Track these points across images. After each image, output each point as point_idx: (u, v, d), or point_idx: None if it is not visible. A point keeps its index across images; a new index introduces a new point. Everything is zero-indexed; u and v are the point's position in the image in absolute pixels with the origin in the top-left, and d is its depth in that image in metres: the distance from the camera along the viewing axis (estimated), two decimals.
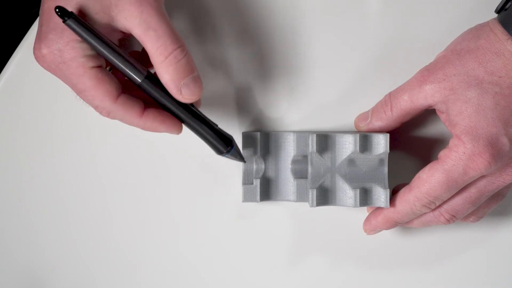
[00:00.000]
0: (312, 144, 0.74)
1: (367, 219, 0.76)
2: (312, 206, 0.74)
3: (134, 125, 0.70)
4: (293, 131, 0.77)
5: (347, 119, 0.78)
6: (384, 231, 0.78)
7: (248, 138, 0.77)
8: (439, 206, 0.73)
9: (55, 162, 0.79)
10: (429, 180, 0.71)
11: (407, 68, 0.76)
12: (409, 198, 0.72)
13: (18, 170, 0.80)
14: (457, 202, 0.73)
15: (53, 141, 0.79)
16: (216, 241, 0.80)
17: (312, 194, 0.74)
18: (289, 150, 0.77)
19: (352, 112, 0.78)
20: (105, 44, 0.67)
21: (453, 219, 0.73)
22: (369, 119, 0.75)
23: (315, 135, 0.74)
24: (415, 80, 0.72)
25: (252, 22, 0.78)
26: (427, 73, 0.72)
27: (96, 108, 0.69)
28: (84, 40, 0.66)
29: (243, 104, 0.78)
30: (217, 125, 0.71)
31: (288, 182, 0.78)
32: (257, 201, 0.77)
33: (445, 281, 0.80)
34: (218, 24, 0.78)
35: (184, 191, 0.79)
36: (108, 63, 0.69)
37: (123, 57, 0.67)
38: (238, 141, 0.78)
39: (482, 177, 0.71)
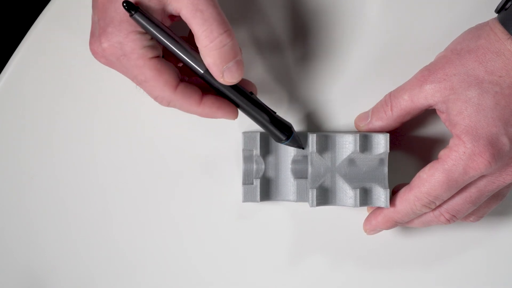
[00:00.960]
0: (312, 144, 0.74)
1: (367, 219, 0.76)
2: (312, 206, 0.74)
3: (192, 113, 0.70)
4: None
5: (347, 119, 0.78)
6: (384, 231, 0.78)
7: (248, 138, 0.77)
8: (439, 206, 0.73)
9: (55, 162, 0.79)
10: (429, 179, 0.71)
11: (407, 68, 0.76)
12: (409, 197, 0.72)
13: (18, 170, 0.80)
14: (457, 202, 0.72)
15: (53, 141, 0.79)
16: (216, 241, 0.80)
17: (312, 194, 0.74)
18: (289, 150, 0.77)
19: (352, 112, 0.78)
20: (168, 35, 0.67)
21: (453, 219, 0.73)
22: (369, 119, 0.75)
23: (315, 135, 0.74)
24: (415, 80, 0.72)
25: (252, 22, 0.78)
26: (428, 73, 0.72)
27: (156, 98, 0.69)
28: (149, 33, 0.67)
29: None
30: (275, 113, 0.72)
31: (288, 182, 0.78)
32: (257, 201, 0.77)
33: (445, 281, 0.80)
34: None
35: (184, 191, 0.79)
36: (165, 52, 0.70)
37: (185, 48, 0.68)
38: (238, 141, 0.78)
39: (482, 176, 0.71)
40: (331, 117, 0.78)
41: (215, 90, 0.70)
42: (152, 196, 0.79)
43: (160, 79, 0.68)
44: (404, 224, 0.75)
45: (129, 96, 0.79)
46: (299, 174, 0.77)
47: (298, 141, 0.74)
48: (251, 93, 0.71)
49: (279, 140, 0.73)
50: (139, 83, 0.69)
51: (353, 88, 0.78)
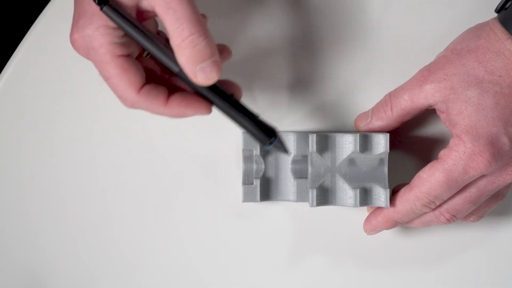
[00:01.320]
0: (312, 144, 0.74)
1: (367, 219, 0.76)
2: (312, 206, 0.74)
3: (160, 114, 0.68)
4: (293, 131, 0.77)
5: (347, 119, 0.78)
6: (384, 231, 0.78)
7: (248, 138, 0.77)
8: (439, 205, 0.73)
9: (55, 162, 0.79)
10: (429, 179, 0.71)
11: (407, 68, 0.76)
12: (409, 197, 0.72)
13: (18, 170, 0.80)
14: (457, 201, 0.72)
15: (53, 141, 0.79)
16: (216, 241, 0.80)
17: (312, 194, 0.74)
18: (289, 150, 0.77)
19: (352, 112, 0.78)
20: (140, 31, 0.66)
21: (454, 218, 0.73)
22: (369, 119, 0.75)
23: (315, 135, 0.74)
24: (415, 79, 0.72)
25: (253, 22, 0.78)
26: (427, 72, 0.72)
27: (119, 98, 0.68)
28: (121, 27, 0.66)
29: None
30: (258, 116, 0.70)
31: (288, 182, 0.78)
32: (257, 201, 0.77)
33: (445, 281, 0.80)
34: (218, 24, 0.78)
35: (184, 191, 0.79)
36: (143, 50, 0.69)
37: (158, 45, 0.67)
38: (238, 141, 0.78)
39: (482, 176, 0.71)
40: (331, 117, 0.78)
41: (193, 89, 0.68)
42: (152, 196, 0.79)
43: (123, 78, 0.66)
44: (404, 224, 0.75)
45: None
46: (299, 174, 0.77)
47: (282, 145, 0.71)
48: (232, 95, 0.69)
49: (263, 144, 0.70)
50: (104, 79, 0.67)
51: (353, 88, 0.78)
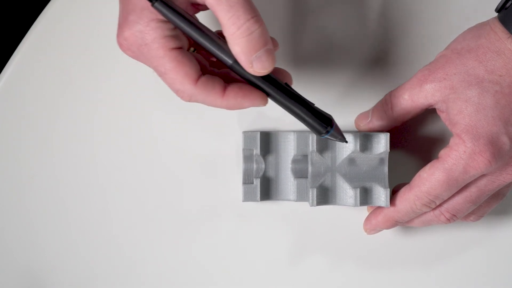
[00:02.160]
0: (312, 143, 0.74)
1: (367, 219, 0.76)
2: (312, 205, 0.74)
3: (217, 106, 0.66)
4: (294, 131, 0.78)
5: (348, 119, 0.78)
6: (384, 231, 0.78)
7: (248, 138, 0.77)
8: (440, 205, 0.73)
9: (55, 162, 0.79)
10: (429, 179, 0.71)
11: (407, 68, 0.77)
12: (409, 197, 0.72)
13: (18, 170, 0.80)
14: (458, 201, 0.72)
15: (53, 141, 0.79)
16: (216, 240, 0.80)
17: (312, 193, 0.74)
18: (289, 149, 0.77)
19: (353, 112, 0.78)
20: (192, 25, 0.65)
21: (454, 218, 0.73)
22: (370, 118, 0.75)
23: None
24: (415, 79, 0.72)
25: None
26: (428, 72, 0.72)
27: (177, 92, 0.66)
28: (172, 22, 0.64)
29: None
30: (313, 104, 0.68)
31: (288, 182, 0.78)
32: (257, 201, 0.77)
33: (445, 281, 0.80)
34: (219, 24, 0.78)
35: (184, 191, 0.79)
36: (192, 43, 0.67)
37: (211, 38, 0.65)
38: (238, 140, 0.78)
39: (483, 176, 0.71)
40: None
41: (247, 81, 0.66)
42: (152, 196, 0.79)
43: (180, 71, 0.65)
44: (404, 223, 0.75)
45: (129, 96, 0.79)
46: (299, 173, 0.77)
47: (339, 134, 0.70)
48: (286, 84, 0.67)
49: (319, 134, 0.69)
50: (160, 75, 0.66)
51: (353, 88, 0.78)
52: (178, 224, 0.80)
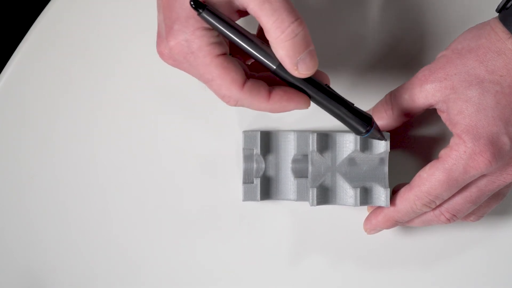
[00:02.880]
0: (312, 143, 0.74)
1: (368, 219, 0.76)
2: (312, 205, 0.74)
3: (262, 110, 0.67)
4: (294, 130, 0.78)
5: None
6: (384, 231, 0.78)
7: (248, 137, 0.77)
8: (440, 205, 0.73)
9: (55, 162, 0.79)
10: (429, 179, 0.71)
11: (407, 68, 0.77)
12: (409, 197, 0.72)
13: (18, 170, 0.80)
14: (458, 201, 0.72)
15: (53, 141, 0.79)
16: (216, 240, 0.80)
17: (313, 193, 0.74)
18: (289, 149, 0.77)
19: None
20: (238, 31, 0.65)
21: (454, 218, 0.73)
22: None
23: (315, 134, 0.74)
24: (416, 79, 0.72)
25: (253, 22, 0.78)
26: (428, 72, 0.72)
27: (223, 97, 0.66)
28: (218, 30, 0.64)
29: None
30: (353, 104, 0.69)
31: (288, 181, 0.78)
32: (257, 200, 0.77)
33: (445, 281, 0.80)
34: None
35: (185, 190, 0.79)
36: (232, 49, 0.68)
37: (256, 43, 0.65)
38: (238, 140, 0.78)
39: (483, 176, 0.71)
40: (331, 116, 0.78)
41: (289, 85, 0.67)
42: (152, 196, 0.79)
43: (226, 77, 0.65)
44: (404, 223, 0.75)
45: (129, 96, 0.79)
46: (300, 173, 0.77)
47: (379, 132, 0.70)
48: (327, 85, 0.68)
49: (359, 133, 0.69)
50: (206, 81, 0.66)
51: (353, 88, 0.78)
52: (178, 224, 0.79)
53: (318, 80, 0.68)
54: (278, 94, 0.66)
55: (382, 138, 0.71)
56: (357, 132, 0.69)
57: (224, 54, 0.65)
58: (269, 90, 0.67)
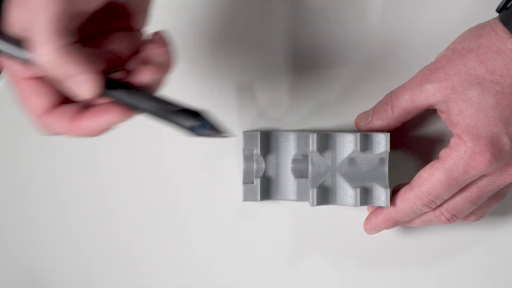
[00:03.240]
0: (312, 143, 0.74)
1: (368, 219, 0.76)
2: (312, 205, 0.74)
3: (73, 135, 0.62)
4: (294, 130, 0.78)
5: (348, 118, 0.78)
6: (384, 231, 0.78)
7: (248, 137, 0.77)
8: (440, 205, 0.73)
9: (55, 162, 0.79)
10: (429, 179, 0.71)
11: (407, 68, 0.77)
12: (409, 197, 0.72)
13: (18, 170, 0.80)
14: (458, 201, 0.72)
15: (53, 141, 0.79)
16: (216, 240, 0.80)
17: (313, 193, 0.74)
18: (289, 149, 0.77)
19: (353, 111, 0.78)
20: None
21: (454, 218, 0.73)
22: (370, 118, 0.76)
23: (315, 134, 0.74)
24: (416, 79, 0.72)
25: (253, 22, 0.78)
26: (428, 72, 0.72)
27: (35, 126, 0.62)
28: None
29: (243, 103, 0.78)
30: (178, 104, 0.61)
31: (288, 181, 0.78)
32: (258, 200, 0.77)
33: (445, 281, 0.80)
34: (219, 24, 0.78)
35: (184, 191, 0.79)
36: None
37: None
38: (238, 140, 0.78)
39: (483, 176, 0.71)
40: (331, 116, 0.78)
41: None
42: (152, 196, 0.79)
43: (26, 103, 0.60)
44: (404, 223, 0.75)
45: None
46: (300, 173, 0.77)
47: (213, 128, 0.61)
48: (138, 88, 0.61)
49: (190, 132, 0.61)
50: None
51: (354, 88, 0.78)
52: (178, 224, 0.79)
53: (125, 84, 0.61)
54: (87, 116, 0.61)
55: (220, 135, 0.62)
56: (187, 132, 0.61)
57: (34, 78, 0.60)
58: (77, 113, 0.61)
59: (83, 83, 0.59)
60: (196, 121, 0.61)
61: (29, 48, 0.59)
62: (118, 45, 0.64)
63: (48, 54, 0.58)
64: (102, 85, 0.60)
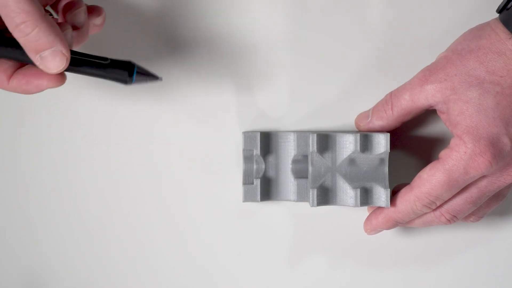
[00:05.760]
0: (312, 143, 0.74)
1: (368, 219, 0.76)
2: (312, 206, 0.74)
3: (6, 90, 0.67)
4: (294, 131, 0.77)
5: (348, 119, 0.78)
6: (384, 231, 0.78)
7: (248, 138, 0.77)
8: (440, 206, 0.73)
9: (55, 162, 0.79)
10: (430, 179, 0.71)
11: (408, 68, 0.76)
12: (409, 197, 0.72)
13: (18, 170, 0.80)
14: (458, 202, 0.72)
15: (53, 141, 0.79)
16: (216, 241, 0.80)
17: (313, 193, 0.74)
18: (289, 149, 0.77)
19: (353, 112, 0.78)
20: None
21: (454, 219, 0.73)
22: (370, 118, 0.76)
23: (315, 134, 0.74)
24: (416, 79, 0.72)
25: (253, 22, 0.78)
26: (429, 73, 0.72)
27: None
28: None
29: (243, 104, 0.78)
30: (107, 58, 0.68)
31: (288, 182, 0.78)
32: (258, 201, 0.77)
33: (445, 281, 0.80)
34: (219, 24, 0.78)
35: (184, 191, 0.79)
36: None
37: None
38: (238, 140, 0.78)
39: (483, 177, 0.71)
40: (331, 116, 0.78)
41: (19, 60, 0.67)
42: (152, 196, 0.79)
43: None
44: (404, 224, 0.75)
45: (129, 95, 0.79)
46: (300, 173, 0.77)
47: (146, 73, 0.69)
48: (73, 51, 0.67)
49: (124, 82, 0.68)
50: None
51: (354, 88, 0.78)
52: (178, 224, 0.79)
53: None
54: (21, 74, 0.67)
55: (153, 78, 0.70)
56: (122, 82, 0.69)
57: None
58: (12, 71, 0.67)
59: (53, 56, 0.65)
60: (127, 70, 0.68)
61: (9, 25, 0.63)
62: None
63: (27, 27, 0.63)
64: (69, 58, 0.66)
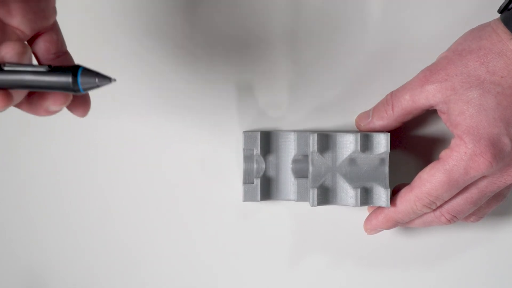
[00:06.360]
0: (313, 143, 0.74)
1: (368, 219, 0.76)
2: (312, 205, 0.74)
3: None
4: (294, 131, 0.78)
5: (348, 118, 0.78)
6: (384, 231, 0.78)
7: (248, 138, 0.77)
8: (440, 206, 0.73)
9: (55, 162, 0.79)
10: (430, 180, 0.71)
11: (408, 68, 0.76)
12: (410, 197, 0.72)
13: (18, 170, 0.80)
14: (458, 202, 0.72)
15: (53, 141, 0.79)
16: (216, 240, 0.80)
17: (313, 193, 0.74)
18: (289, 149, 0.77)
19: (353, 111, 0.78)
20: None
21: (454, 219, 0.73)
22: (370, 118, 0.76)
23: (316, 134, 0.74)
24: (417, 80, 0.72)
25: (253, 22, 0.78)
26: (429, 73, 0.72)
27: None
28: None
29: (244, 104, 0.78)
30: (50, 66, 0.58)
31: (288, 182, 0.78)
32: (258, 201, 0.77)
33: (445, 281, 0.80)
34: (219, 23, 0.78)
35: (185, 191, 0.79)
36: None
37: None
38: (238, 140, 0.78)
39: (483, 177, 0.71)
40: (331, 116, 0.78)
41: None
42: (152, 196, 0.79)
43: None
44: (404, 224, 0.75)
45: (129, 96, 0.79)
46: (300, 173, 0.77)
47: (96, 75, 0.58)
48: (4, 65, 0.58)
49: (74, 91, 0.58)
50: None
51: (354, 88, 0.78)
52: (178, 224, 0.79)
53: None
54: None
55: (105, 80, 0.59)
56: (71, 91, 0.58)
57: None
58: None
59: None
60: (75, 76, 0.58)
61: None
62: None
63: None
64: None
